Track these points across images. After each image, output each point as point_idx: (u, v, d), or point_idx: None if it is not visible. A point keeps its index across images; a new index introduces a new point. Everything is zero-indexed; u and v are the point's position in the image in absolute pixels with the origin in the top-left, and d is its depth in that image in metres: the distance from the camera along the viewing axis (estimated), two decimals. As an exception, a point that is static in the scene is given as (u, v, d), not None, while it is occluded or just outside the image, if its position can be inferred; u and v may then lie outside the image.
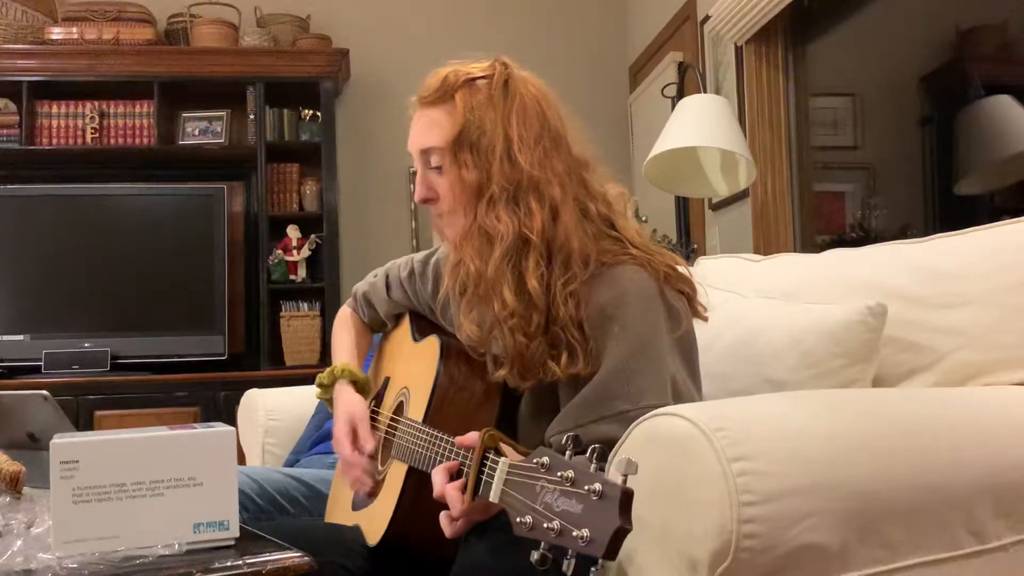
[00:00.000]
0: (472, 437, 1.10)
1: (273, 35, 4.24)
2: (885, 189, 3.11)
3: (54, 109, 4.12)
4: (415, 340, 1.53)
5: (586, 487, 0.85)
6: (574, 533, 0.84)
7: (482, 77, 1.32)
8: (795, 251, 3.10)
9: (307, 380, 2.33)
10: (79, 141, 4.11)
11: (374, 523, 1.35)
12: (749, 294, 1.77)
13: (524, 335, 1.24)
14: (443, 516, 1.11)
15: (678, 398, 1.23)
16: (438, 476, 1.12)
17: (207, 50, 4.16)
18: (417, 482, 1.26)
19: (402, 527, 1.30)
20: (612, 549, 0.82)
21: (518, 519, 0.91)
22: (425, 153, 1.34)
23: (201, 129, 4.26)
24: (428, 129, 1.33)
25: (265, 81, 4.17)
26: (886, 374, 1.51)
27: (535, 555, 0.88)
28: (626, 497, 0.83)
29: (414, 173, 1.38)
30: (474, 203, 1.29)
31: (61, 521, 1.00)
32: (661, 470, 0.99)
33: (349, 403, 1.51)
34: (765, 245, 3.21)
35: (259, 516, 1.65)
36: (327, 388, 1.59)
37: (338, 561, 1.30)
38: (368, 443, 1.44)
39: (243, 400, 2.60)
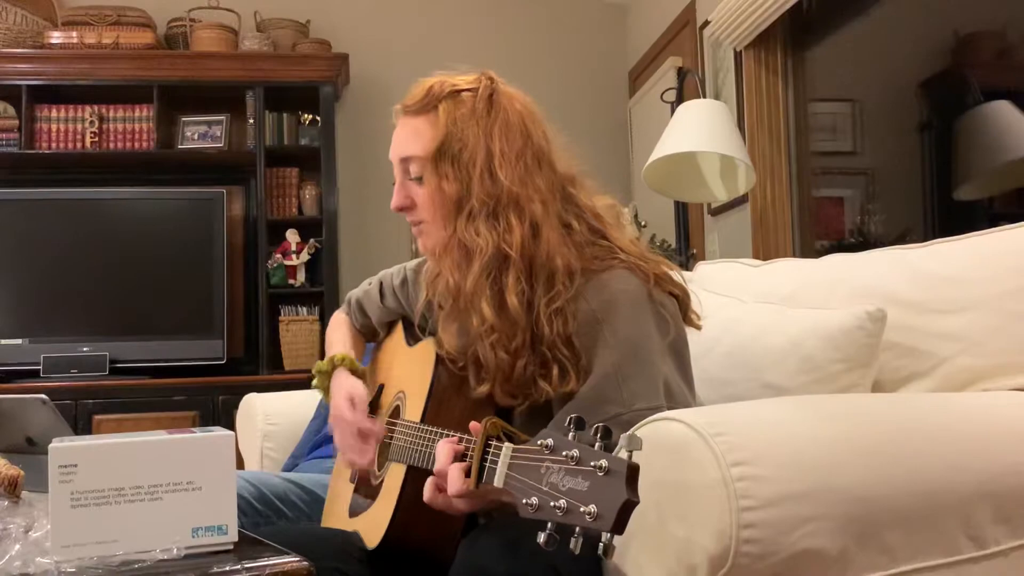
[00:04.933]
0: (475, 427, 1.10)
1: (273, 40, 4.24)
2: (884, 194, 3.12)
3: (54, 113, 4.13)
4: (409, 345, 1.53)
5: (592, 464, 0.85)
6: (581, 509, 0.84)
7: (467, 90, 1.33)
8: (794, 256, 3.10)
9: (306, 385, 2.33)
10: (78, 145, 4.11)
11: (373, 527, 1.35)
12: (748, 299, 1.77)
13: (506, 352, 1.25)
14: (429, 482, 1.12)
15: (671, 399, 1.23)
16: (442, 451, 1.12)
17: (207, 54, 4.16)
18: (416, 481, 1.25)
19: (402, 529, 1.30)
20: (620, 523, 0.82)
21: (524, 501, 0.91)
22: (405, 162, 1.35)
23: (200, 133, 4.26)
24: (409, 138, 1.34)
25: (264, 85, 4.17)
26: (885, 379, 1.51)
27: (542, 536, 0.88)
28: (632, 471, 0.83)
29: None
30: (453, 216, 1.30)
31: (59, 525, 1.00)
32: (660, 475, 0.99)
33: (349, 383, 1.51)
34: (764, 250, 3.21)
35: (258, 521, 1.65)
36: (325, 375, 1.58)
37: (337, 565, 1.30)
38: (364, 417, 1.44)
39: (242, 404, 2.60)
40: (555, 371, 1.24)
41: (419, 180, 1.34)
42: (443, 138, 1.30)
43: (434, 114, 1.32)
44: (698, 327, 1.37)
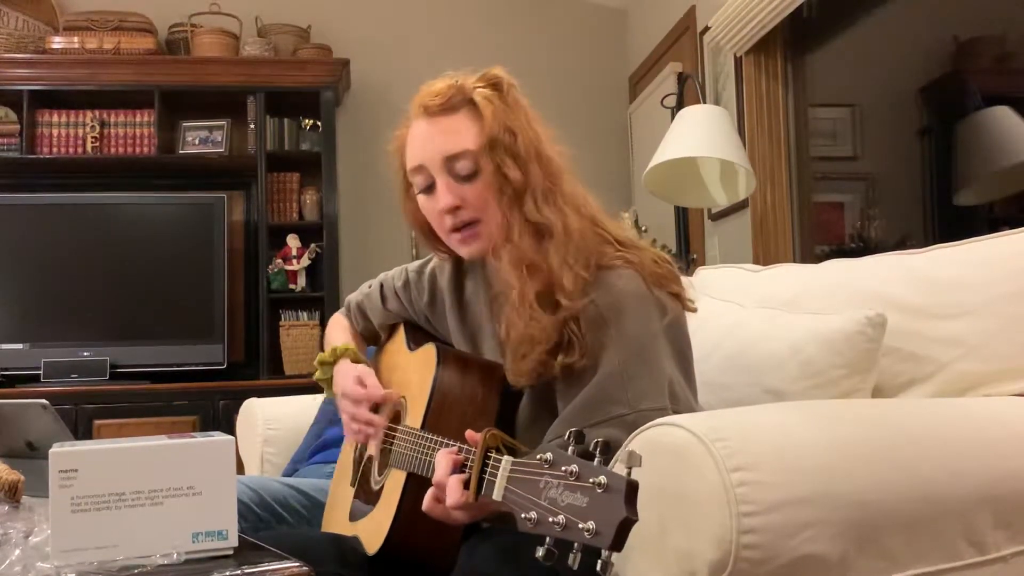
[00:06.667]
0: (474, 436, 1.10)
1: (274, 45, 4.25)
2: (884, 199, 3.12)
3: (55, 118, 4.13)
4: (410, 349, 1.53)
5: (591, 480, 0.85)
6: (580, 526, 0.84)
7: (490, 85, 1.33)
8: (794, 261, 3.11)
9: (306, 389, 2.33)
10: (80, 150, 4.12)
11: (373, 532, 1.35)
12: (749, 304, 1.77)
13: (558, 327, 1.23)
14: (429, 492, 1.12)
15: (675, 401, 1.23)
16: (442, 461, 1.12)
17: (208, 59, 4.17)
18: (416, 488, 1.25)
19: (402, 535, 1.30)
20: (618, 540, 0.82)
21: (523, 515, 0.91)
22: (451, 160, 1.31)
23: (201, 138, 4.27)
24: (451, 135, 1.31)
25: (265, 90, 4.18)
26: (886, 384, 1.51)
27: (540, 551, 0.87)
28: (631, 488, 0.83)
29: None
30: (518, 203, 1.29)
31: (60, 530, 1.00)
32: (660, 480, 0.99)
33: (356, 368, 1.51)
34: (764, 255, 3.21)
35: (258, 525, 1.65)
36: (327, 367, 1.57)
37: (337, 571, 1.30)
38: (379, 388, 1.44)
39: (242, 409, 2.60)
40: (565, 344, 1.23)
41: (470, 177, 1.31)
42: (492, 129, 1.28)
43: (471, 108, 1.31)
44: (693, 310, 1.37)
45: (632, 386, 1.20)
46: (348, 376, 1.49)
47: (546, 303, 1.25)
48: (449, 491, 1.08)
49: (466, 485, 1.06)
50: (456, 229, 1.35)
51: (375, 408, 1.46)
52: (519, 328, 1.26)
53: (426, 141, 1.34)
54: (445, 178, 1.32)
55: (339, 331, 1.70)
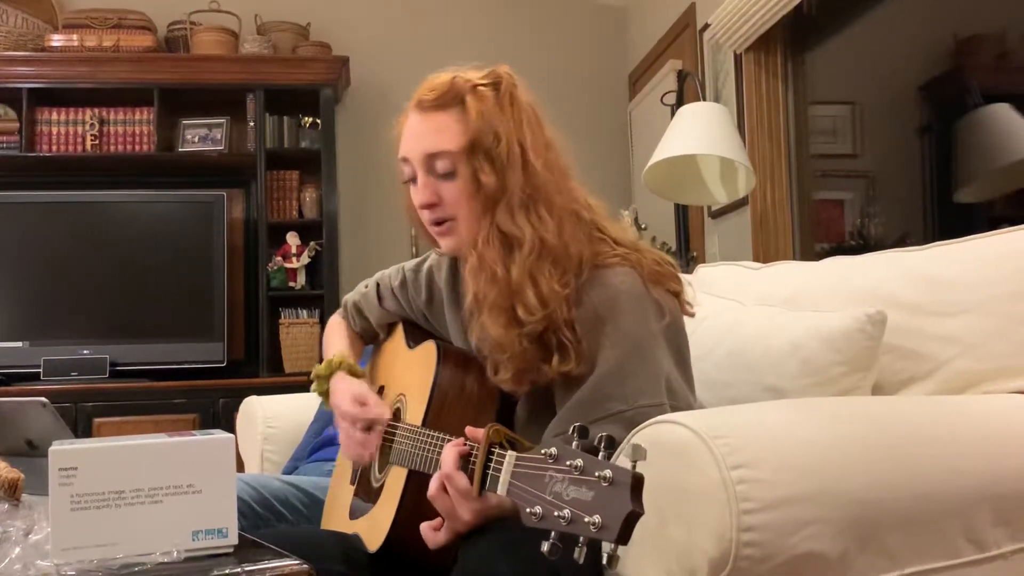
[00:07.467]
0: (478, 432, 1.10)
1: (273, 42, 4.25)
2: (884, 197, 3.12)
3: (54, 116, 4.13)
4: (410, 347, 1.53)
5: (596, 474, 0.85)
6: (585, 520, 0.84)
7: (489, 84, 1.32)
8: (794, 259, 3.11)
9: (306, 387, 2.32)
10: (79, 148, 4.11)
11: (374, 529, 1.35)
12: (748, 302, 1.77)
13: (528, 339, 1.24)
14: (436, 481, 1.13)
15: (672, 397, 1.23)
16: (449, 455, 1.12)
17: (207, 57, 4.16)
18: (417, 485, 1.25)
19: (403, 532, 1.30)
20: (624, 534, 0.82)
21: (528, 510, 0.91)
22: (431, 158, 1.31)
23: (201, 136, 4.27)
24: (435, 134, 1.31)
25: (265, 88, 4.18)
26: (885, 382, 1.51)
27: (545, 545, 0.87)
28: (637, 482, 0.83)
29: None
30: (491, 209, 1.28)
31: (59, 528, 1.00)
32: (660, 478, 0.99)
33: (351, 384, 1.50)
34: (764, 253, 3.21)
35: (258, 523, 1.65)
36: (323, 380, 1.56)
37: (337, 569, 1.30)
38: (380, 406, 1.43)
39: (242, 407, 2.60)
40: (556, 353, 1.23)
41: (448, 176, 1.31)
42: (475, 132, 1.28)
43: (460, 108, 1.30)
44: (691, 315, 1.37)
45: (630, 383, 1.20)
46: (345, 394, 1.48)
47: (506, 315, 1.26)
48: (444, 460, 1.10)
49: (471, 479, 1.07)
50: (433, 223, 1.36)
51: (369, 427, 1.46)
52: (487, 334, 1.28)
53: (413, 135, 1.34)
54: (424, 174, 1.33)
55: (336, 336, 1.70)
